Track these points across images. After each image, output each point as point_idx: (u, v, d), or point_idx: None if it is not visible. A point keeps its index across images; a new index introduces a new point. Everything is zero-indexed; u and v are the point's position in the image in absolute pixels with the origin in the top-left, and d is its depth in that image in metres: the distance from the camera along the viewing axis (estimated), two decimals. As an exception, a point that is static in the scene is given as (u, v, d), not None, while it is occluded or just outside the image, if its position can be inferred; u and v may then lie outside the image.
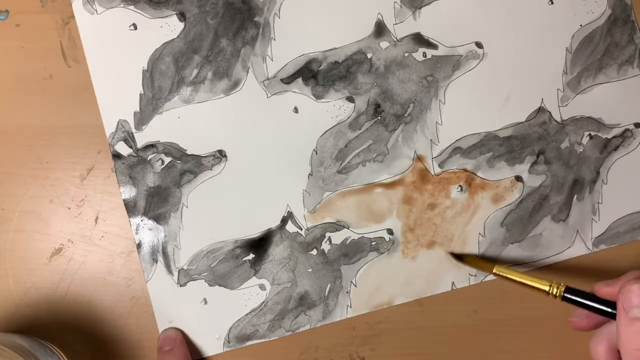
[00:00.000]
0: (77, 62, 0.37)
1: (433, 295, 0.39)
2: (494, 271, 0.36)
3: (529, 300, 0.39)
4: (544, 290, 0.33)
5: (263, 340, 0.38)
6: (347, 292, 0.39)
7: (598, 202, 0.40)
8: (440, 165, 0.39)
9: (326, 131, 0.39)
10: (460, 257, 0.39)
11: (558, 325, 0.39)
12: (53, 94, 0.37)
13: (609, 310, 0.31)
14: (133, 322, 0.38)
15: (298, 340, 0.39)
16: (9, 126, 0.37)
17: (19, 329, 0.37)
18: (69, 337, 0.37)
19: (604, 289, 0.32)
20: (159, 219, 0.38)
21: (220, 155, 0.38)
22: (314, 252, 0.39)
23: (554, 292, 0.33)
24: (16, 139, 0.37)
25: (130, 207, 0.38)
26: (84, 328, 0.37)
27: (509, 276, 0.35)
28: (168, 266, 0.38)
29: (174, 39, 0.37)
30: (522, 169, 0.40)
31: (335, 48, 0.38)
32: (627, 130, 0.40)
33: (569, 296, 0.32)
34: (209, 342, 0.38)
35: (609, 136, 0.40)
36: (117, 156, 0.37)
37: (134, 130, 0.37)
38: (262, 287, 0.38)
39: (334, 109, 0.39)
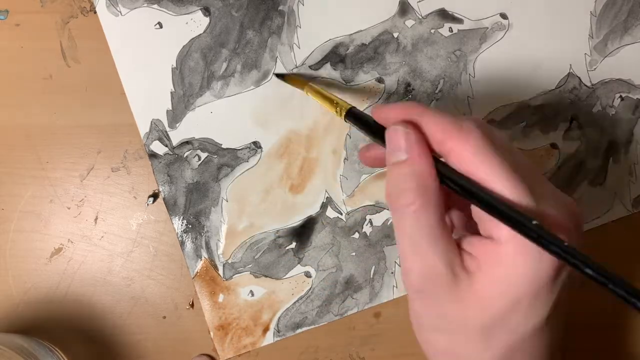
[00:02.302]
0: (77, 62, 0.37)
1: None
2: (306, 87, 0.35)
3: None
4: (334, 108, 0.32)
5: (313, 326, 0.38)
6: (392, 273, 0.39)
7: (634, 163, 0.40)
8: (475, 138, 0.39)
9: (358, 114, 0.38)
10: (282, 77, 0.38)
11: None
12: (53, 94, 0.37)
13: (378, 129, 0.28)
14: (133, 322, 0.38)
15: (298, 340, 0.39)
16: (9, 126, 0.37)
17: (19, 329, 0.37)
18: (69, 337, 0.37)
19: (378, 113, 0.28)
20: (200, 214, 0.38)
21: (255, 146, 0.38)
22: (356, 235, 0.39)
23: (340, 112, 0.31)
24: (16, 139, 0.37)
25: (171, 206, 0.38)
26: (84, 328, 0.37)
27: (315, 92, 0.34)
28: (212, 261, 0.38)
29: (200, 34, 0.37)
30: (557, 136, 0.40)
31: (361, 30, 0.38)
32: (657, 89, 0.40)
33: (351, 117, 0.30)
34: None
35: (640, 96, 0.40)
36: (153, 156, 0.38)
37: (168, 129, 0.38)
38: (307, 274, 0.38)
39: (364, 91, 0.39)
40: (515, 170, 0.24)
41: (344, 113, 0.31)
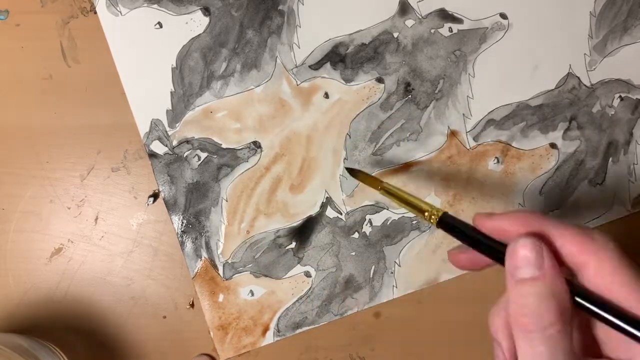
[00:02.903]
0: (77, 62, 0.37)
1: (432, 294, 0.39)
2: (380, 187, 0.33)
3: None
4: (421, 213, 0.29)
5: (313, 326, 0.38)
6: (392, 273, 0.39)
7: (633, 163, 0.40)
8: (475, 138, 0.39)
9: (358, 114, 0.39)
10: (353, 172, 0.37)
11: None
12: (53, 94, 0.37)
13: (488, 243, 0.26)
14: (133, 322, 0.38)
15: (298, 340, 0.39)
16: (9, 126, 0.37)
17: (19, 329, 0.37)
18: (69, 337, 0.37)
19: (486, 222, 0.26)
20: (199, 214, 0.38)
21: (255, 146, 0.38)
22: (356, 235, 0.39)
23: (431, 217, 0.28)
24: (16, 139, 0.37)
25: (171, 205, 0.38)
26: (84, 328, 0.37)
27: (393, 192, 0.32)
28: (212, 261, 0.38)
29: (200, 34, 0.37)
30: (556, 136, 0.40)
31: (361, 30, 0.38)
32: (656, 89, 0.40)
33: (446, 222, 0.28)
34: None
35: None
36: (153, 156, 0.38)
37: (167, 129, 0.38)
38: (307, 274, 0.38)
39: (364, 90, 0.39)
40: None
41: (435, 220, 0.28)
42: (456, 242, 0.27)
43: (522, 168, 0.39)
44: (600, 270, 0.22)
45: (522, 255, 0.23)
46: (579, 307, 0.23)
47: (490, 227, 0.25)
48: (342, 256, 0.39)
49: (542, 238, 0.23)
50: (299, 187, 0.38)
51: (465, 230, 0.27)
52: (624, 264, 0.22)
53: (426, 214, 0.28)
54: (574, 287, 0.23)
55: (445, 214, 0.28)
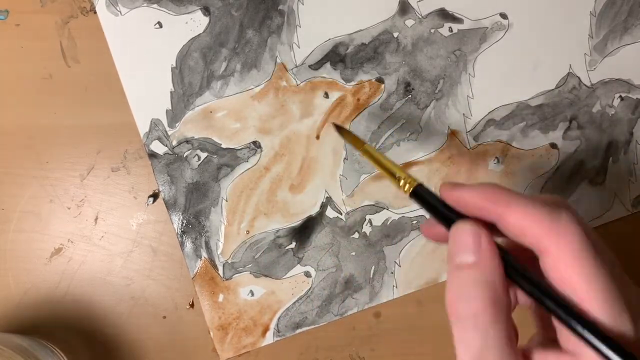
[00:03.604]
0: (76, 62, 0.37)
1: (432, 294, 0.39)
2: (363, 147, 0.31)
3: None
4: (397, 180, 0.27)
5: (313, 326, 0.38)
6: (392, 273, 0.39)
7: (634, 163, 0.40)
8: (475, 138, 0.39)
9: (358, 114, 0.39)
10: (339, 129, 0.34)
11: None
12: (53, 94, 0.37)
13: (451, 219, 0.24)
14: (133, 322, 0.38)
15: (298, 341, 0.38)
16: (9, 126, 0.37)
17: (19, 329, 0.37)
18: (69, 337, 0.37)
19: (451, 193, 0.24)
20: (199, 214, 0.38)
21: (255, 146, 0.38)
22: (356, 235, 0.39)
23: (405, 186, 0.26)
24: (16, 139, 0.37)
25: (171, 205, 0.38)
26: (84, 328, 0.37)
27: (374, 156, 0.30)
28: (212, 261, 0.38)
29: (200, 34, 0.37)
30: (556, 135, 0.40)
31: (361, 30, 0.38)
32: (656, 89, 0.40)
33: (419, 194, 0.26)
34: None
35: None
36: (153, 155, 0.37)
37: (167, 129, 0.38)
38: (307, 274, 0.38)
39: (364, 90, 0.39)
40: (617, 287, 0.20)
41: (409, 190, 0.26)
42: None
43: (522, 168, 0.39)
44: (559, 260, 0.21)
45: (460, 241, 0.22)
46: (529, 295, 0.22)
47: (455, 199, 0.24)
48: (342, 256, 0.39)
49: (486, 225, 0.22)
50: (299, 187, 0.38)
51: (436, 205, 0.25)
52: (585, 254, 0.20)
53: (402, 182, 0.27)
54: (520, 274, 0.22)
55: (420, 185, 0.26)
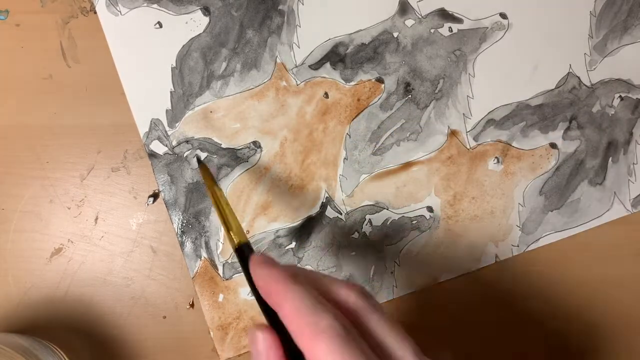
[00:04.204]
0: (77, 62, 0.37)
1: (432, 294, 0.39)
2: (213, 188, 0.32)
3: (532, 298, 0.39)
4: (227, 233, 0.29)
5: (313, 326, 0.38)
6: (392, 273, 0.39)
7: (633, 163, 0.40)
8: (475, 138, 0.39)
9: (358, 114, 0.39)
10: (200, 164, 0.36)
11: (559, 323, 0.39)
12: (53, 94, 0.37)
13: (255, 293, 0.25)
14: (133, 322, 0.38)
15: None
16: (9, 126, 0.37)
17: (19, 328, 0.37)
18: (69, 337, 0.37)
19: (254, 269, 0.25)
20: (199, 214, 0.38)
21: (255, 146, 0.38)
22: (356, 235, 0.39)
23: (233, 240, 0.28)
24: (16, 139, 0.37)
25: (171, 205, 0.38)
26: (84, 328, 0.37)
27: (219, 200, 0.31)
28: (212, 261, 0.38)
29: (200, 34, 0.37)
30: (556, 135, 0.40)
31: (361, 30, 0.38)
32: (656, 89, 0.40)
33: (241, 251, 0.27)
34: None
35: None
36: (153, 155, 0.37)
37: (167, 128, 0.38)
38: (307, 274, 0.38)
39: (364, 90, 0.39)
40: None
41: (234, 246, 0.28)
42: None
43: (522, 168, 0.39)
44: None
45: (254, 348, 0.24)
46: None
47: (256, 277, 0.25)
48: (342, 256, 0.39)
49: (277, 308, 0.23)
50: (299, 187, 0.38)
51: (247, 270, 0.26)
52: (337, 353, 0.21)
53: (232, 233, 0.28)
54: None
55: (245, 244, 0.27)
